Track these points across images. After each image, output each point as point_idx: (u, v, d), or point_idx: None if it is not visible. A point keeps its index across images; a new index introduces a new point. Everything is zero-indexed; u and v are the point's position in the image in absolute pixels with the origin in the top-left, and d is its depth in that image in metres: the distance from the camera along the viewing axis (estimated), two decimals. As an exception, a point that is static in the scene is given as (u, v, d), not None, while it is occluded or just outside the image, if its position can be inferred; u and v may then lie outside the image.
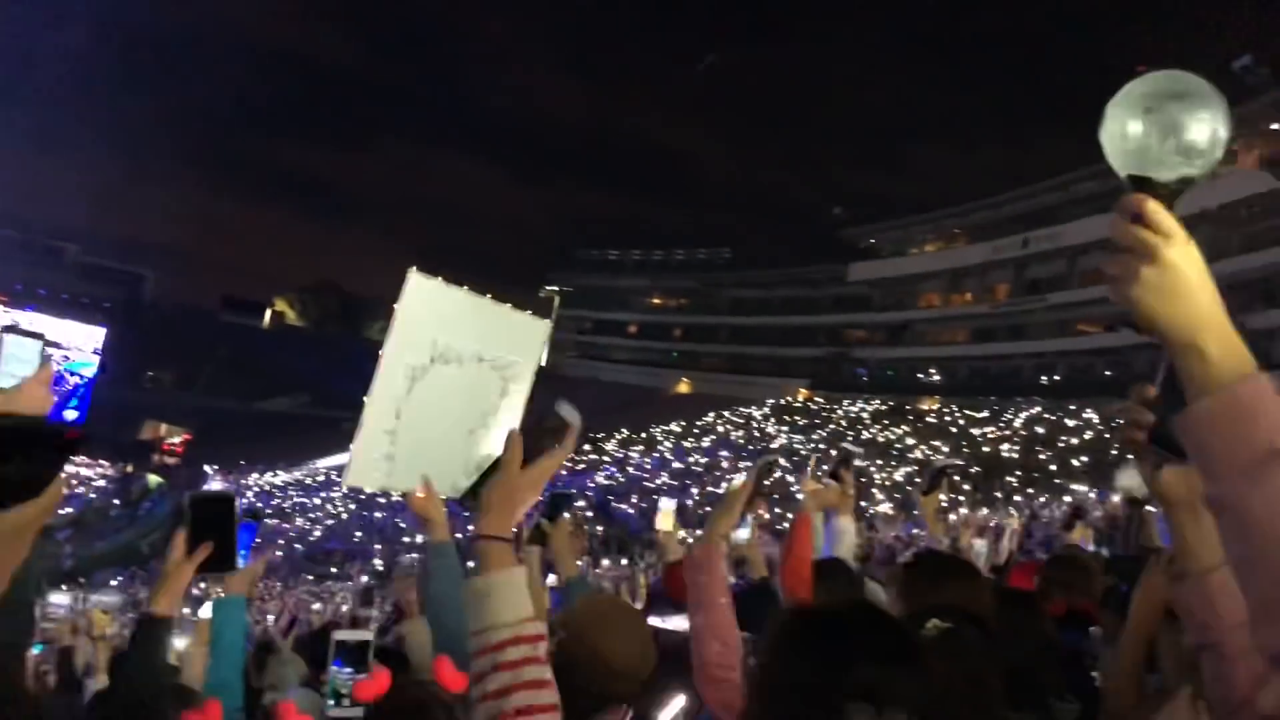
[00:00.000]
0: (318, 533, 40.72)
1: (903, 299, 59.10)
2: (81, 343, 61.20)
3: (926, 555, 3.93)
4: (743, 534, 4.61)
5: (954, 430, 42.32)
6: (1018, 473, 30.94)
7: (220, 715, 1.98)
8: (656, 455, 48.28)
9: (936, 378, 53.04)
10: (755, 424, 52.33)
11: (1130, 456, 1.41)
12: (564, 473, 46.20)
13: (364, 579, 27.09)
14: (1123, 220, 1.03)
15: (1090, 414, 38.75)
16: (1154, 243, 1.00)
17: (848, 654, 1.23)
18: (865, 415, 49.31)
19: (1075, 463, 31.42)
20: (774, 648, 1.33)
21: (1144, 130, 1.03)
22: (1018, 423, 40.53)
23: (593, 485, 41.72)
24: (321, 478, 55.88)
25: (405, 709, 2.11)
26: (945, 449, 38.51)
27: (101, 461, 56.70)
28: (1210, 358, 0.98)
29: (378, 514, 42.71)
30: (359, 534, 38.31)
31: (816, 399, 56.45)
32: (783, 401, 57.32)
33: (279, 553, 35.73)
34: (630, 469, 45.43)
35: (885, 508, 26.23)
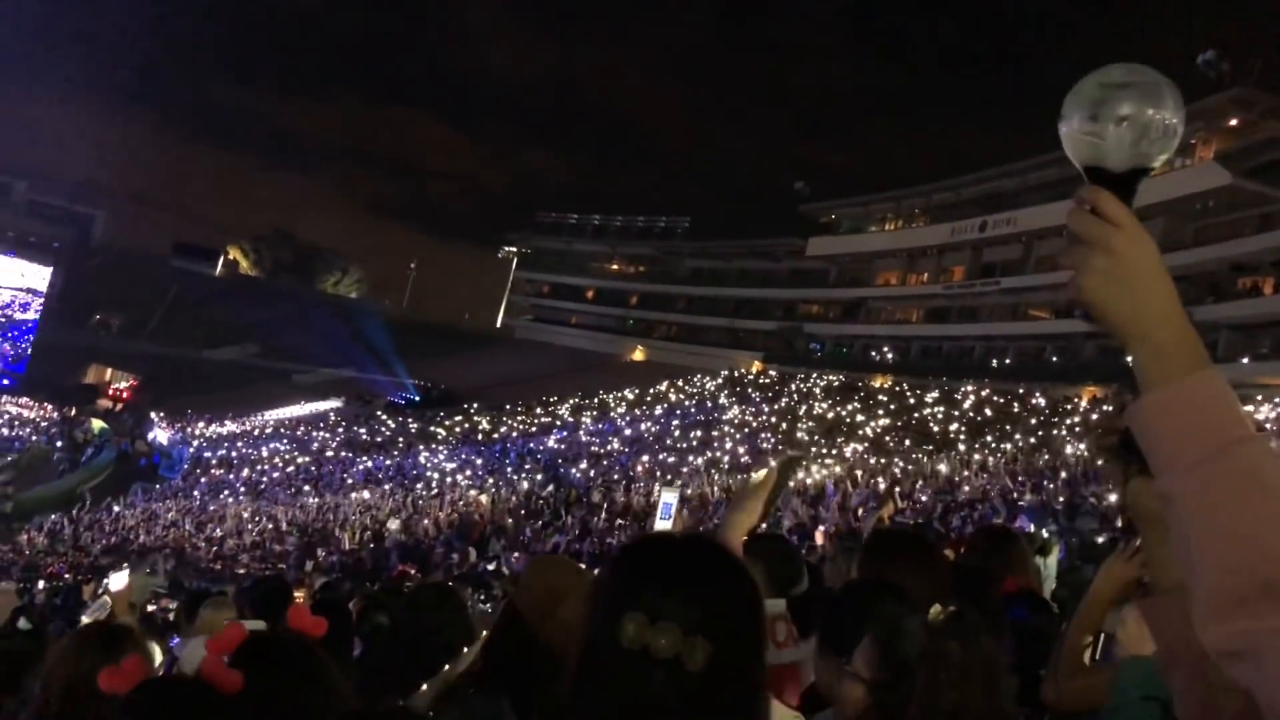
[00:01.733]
0: (263, 485, 40.32)
1: (859, 276, 59.40)
2: (26, 281, 59.98)
3: (884, 533, 3.98)
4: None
5: (901, 407, 42.82)
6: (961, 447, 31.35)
7: (141, 670, 1.95)
8: (609, 421, 48.36)
9: (889, 355, 53.54)
10: (708, 394, 52.57)
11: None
12: (515, 435, 46.23)
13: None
14: (1078, 210, 1.03)
15: (1039, 398, 39.43)
16: (1106, 233, 1.01)
17: (641, 574, 1.30)
18: (817, 390, 49.71)
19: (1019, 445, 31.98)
20: (602, 570, 1.40)
21: (1099, 121, 1.03)
22: (966, 404, 41.10)
23: (544, 448, 41.73)
24: (270, 430, 55.37)
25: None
26: (894, 425, 39.03)
27: (45, 404, 55.66)
28: (1162, 350, 0.99)
29: (327, 469, 42.44)
30: (307, 488, 38.01)
31: (770, 372, 56.78)
32: (736, 373, 57.60)
33: (230, 502, 35.44)
34: (582, 434, 45.49)
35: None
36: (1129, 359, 1.02)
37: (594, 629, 1.28)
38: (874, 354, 54.68)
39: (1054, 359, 44.77)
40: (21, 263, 59.62)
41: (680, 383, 56.04)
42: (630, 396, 54.44)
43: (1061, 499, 19.34)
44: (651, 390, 55.05)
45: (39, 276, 60.08)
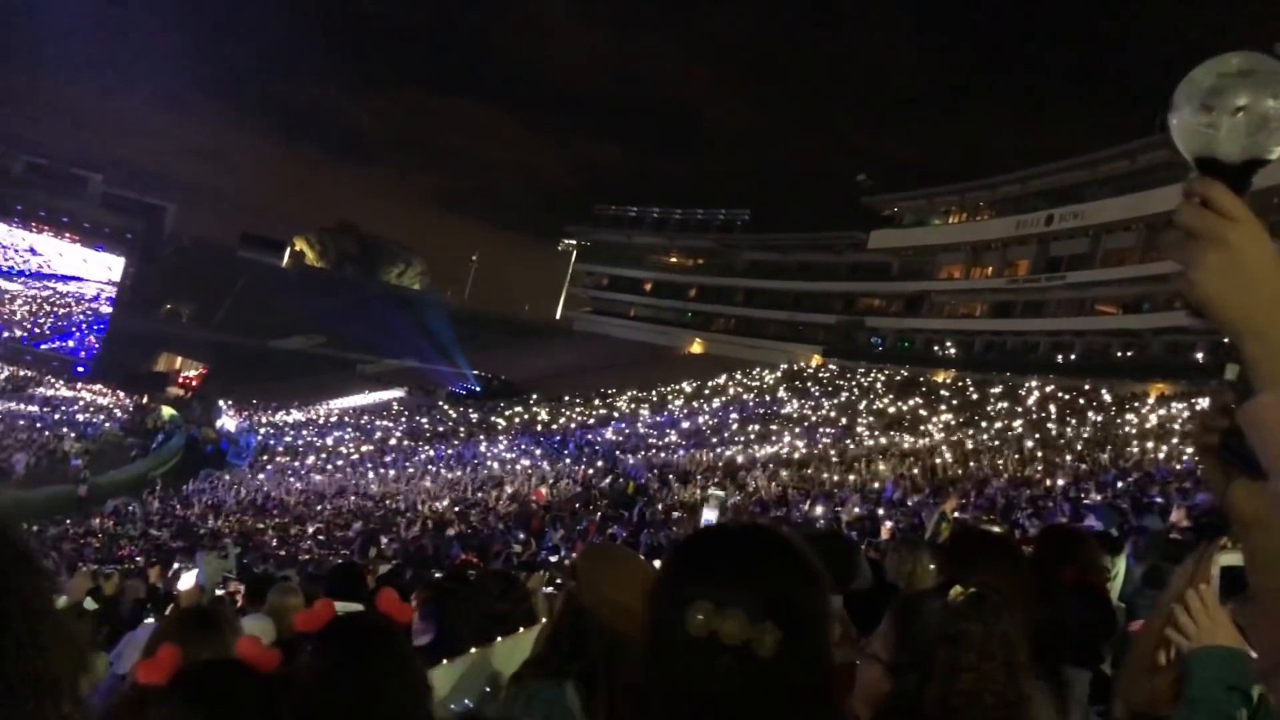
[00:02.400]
0: (329, 470, 41.01)
1: (922, 269, 58.78)
2: (101, 271, 61.60)
3: (966, 533, 3.93)
4: None
5: (964, 403, 42.27)
6: (1027, 447, 30.84)
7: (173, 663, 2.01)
8: (667, 414, 48.42)
9: (952, 350, 52.89)
10: (766, 388, 52.38)
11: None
12: (574, 426, 46.48)
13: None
14: (1189, 203, 1.00)
15: (1105, 395, 38.67)
16: (1219, 227, 0.97)
17: (705, 562, 1.32)
18: (878, 385, 49.28)
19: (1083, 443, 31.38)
20: (665, 561, 1.42)
21: (1213, 111, 1.00)
22: (1031, 400, 40.45)
23: (602, 439, 41.91)
24: (335, 418, 56.29)
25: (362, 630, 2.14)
26: (957, 421, 38.52)
27: (117, 391, 57.15)
28: (1275, 347, 0.95)
29: (389, 457, 43.02)
30: (371, 475, 38.57)
31: (830, 366, 56.42)
32: (795, 367, 57.31)
33: (289, 492, 36.07)
34: (640, 426, 45.59)
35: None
36: (1214, 360, 1.00)
37: (661, 618, 1.30)
38: (936, 349, 54.07)
39: (1121, 355, 43.88)
40: (107, 256, 61.27)
41: (739, 375, 55.91)
42: (688, 389, 54.43)
43: (1129, 497, 18.96)
44: (710, 383, 54.99)
45: (114, 267, 61.67)
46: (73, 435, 43.08)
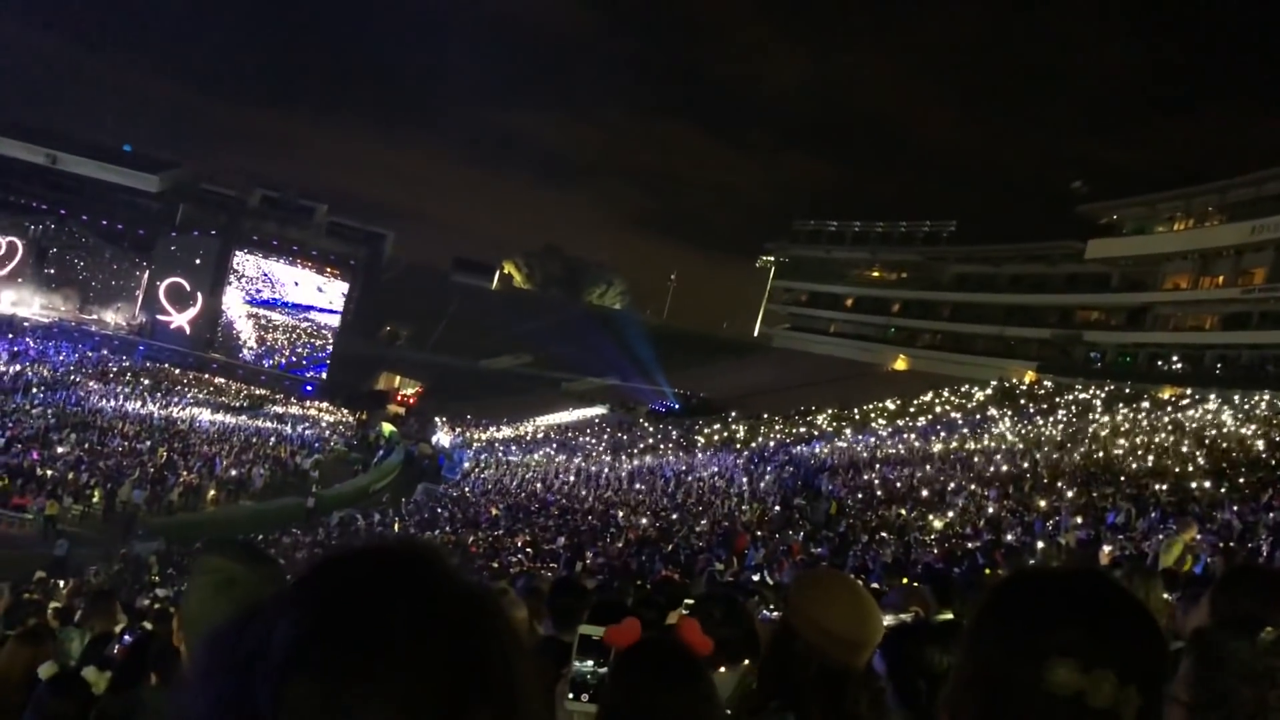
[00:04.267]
0: (537, 486, 42.27)
1: (1145, 280, 55.50)
2: (328, 298, 65.94)
3: (1244, 571, 3.63)
4: None
5: (1192, 424, 39.34)
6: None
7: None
8: (869, 432, 47.35)
9: (1178, 365, 49.52)
10: (976, 406, 50.47)
11: None
12: (773, 444, 46.12)
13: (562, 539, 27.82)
14: None
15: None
16: None
17: (1057, 612, 1.18)
18: (1097, 402, 46.59)
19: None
20: (985, 606, 1.28)
21: None
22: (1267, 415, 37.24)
23: (803, 458, 41.34)
24: (541, 435, 58.02)
25: (662, 652, 2.14)
26: (1184, 440, 35.88)
27: (341, 409, 60.92)
28: None
29: (593, 468, 43.93)
30: (582, 490, 39.52)
31: (1045, 382, 53.91)
32: (1007, 384, 55.06)
33: (498, 507, 37.34)
34: (841, 444, 44.74)
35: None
36: None
37: (1004, 671, 1.18)
38: (1161, 363, 50.83)
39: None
40: (335, 282, 65.68)
41: (945, 393, 54.15)
42: (892, 407, 53.12)
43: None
44: (915, 400, 53.50)
45: (340, 292, 65.91)
46: (304, 450, 46.15)
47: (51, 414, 39.67)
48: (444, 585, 0.78)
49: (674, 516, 31.19)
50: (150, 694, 3.05)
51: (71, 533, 28.61)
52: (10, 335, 54.99)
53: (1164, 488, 25.91)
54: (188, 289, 63.66)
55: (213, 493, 36.69)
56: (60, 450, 35.26)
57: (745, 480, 37.44)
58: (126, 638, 5.75)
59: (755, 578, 15.73)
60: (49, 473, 32.59)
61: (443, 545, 28.03)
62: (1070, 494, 25.79)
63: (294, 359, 65.74)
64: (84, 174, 65.85)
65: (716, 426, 54.65)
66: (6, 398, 40.92)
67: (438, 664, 0.73)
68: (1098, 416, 42.86)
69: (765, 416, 55.48)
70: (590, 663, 2.12)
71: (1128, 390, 47.55)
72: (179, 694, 0.78)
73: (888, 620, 2.89)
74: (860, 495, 30.71)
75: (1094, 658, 1.12)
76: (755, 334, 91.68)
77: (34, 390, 43.49)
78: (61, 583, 20.76)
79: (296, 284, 65.45)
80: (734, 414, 57.82)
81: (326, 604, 0.75)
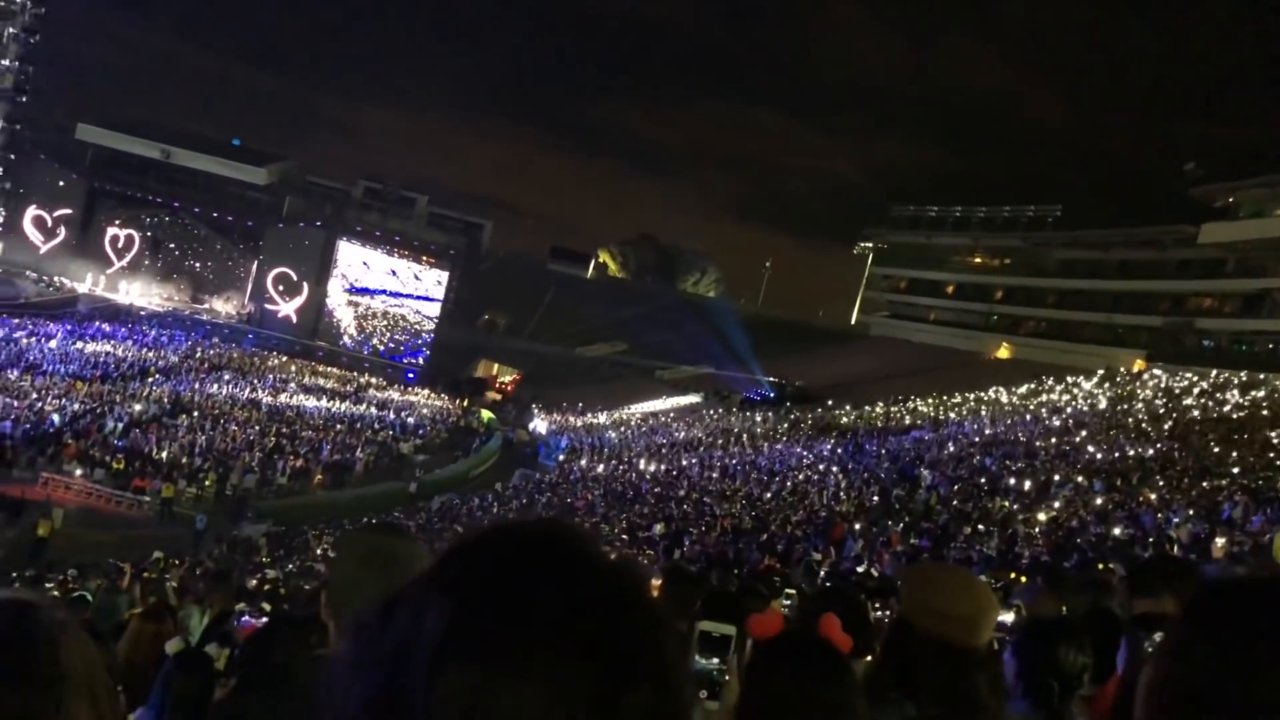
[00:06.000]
0: (633, 474, 42.46)
1: (1264, 265, 53.13)
2: (425, 286, 67.23)
3: None
4: None
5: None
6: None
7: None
8: (970, 421, 46.32)
9: (1300, 354, 47.40)
10: (1084, 395, 49.00)
11: None
12: (871, 434, 45.44)
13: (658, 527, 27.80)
14: None
15: None
16: None
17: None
18: (1211, 391, 44.79)
19: None
20: (1203, 615, 1.07)
21: None
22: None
23: (902, 448, 40.64)
24: (635, 422, 58.24)
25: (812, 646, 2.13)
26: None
27: (442, 395, 62.08)
28: None
29: (687, 457, 43.92)
30: (677, 476, 39.57)
31: (1155, 371, 52.10)
32: (1115, 373, 53.36)
33: (594, 493, 37.63)
34: (942, 434, 43.85)
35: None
36: None
37: (1226, 686, 0.99)
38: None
39: None
40: (435, 271, 66.93)
41: (1050, 381, 52.71)
42: (993, 396, 51.92)
43: None
44: (1018, 389, 52.21)
45: (441, 281, 67.13)
46: (406, 436, 47.15)
47: (168, 400, 41.25)
48: (590, 564, 0.76)
49: (769, 506, 31.00)
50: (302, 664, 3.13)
51: (187, 515, 29.72)
52: (130, 324, 57.46)
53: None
54: (294, 278, 65.53)
55: (319, 477, 37.76)
56: (177, 435, 36.67)
57: (840, 470, 37.00)
58: (246, 618, 5.95)
59: (859, 569, 15.57)
60: (165, 456, 33.97)
61: (581, 525, 28.38)
62: (1182, 486, 24.90)
63: (393, 345, 67.17)
64: (196, 168, 68.24)
65: (812, 416, 54.12)
66: (126, 383, 42.70)
67: (590, 646, 0.70)
68: (1212, 406, 41.25)
69: (862, 406, 54.75)
70: (715, 660, 2.06)
71: (1244, 379, 45.66)
72: (328, 684, 0.76)
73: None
74: (959, 486, 30.08)
75: None
76: (852, 322, 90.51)
77: (151, 376, 45.26)
78: (177, 561, 21.63)
79: (393, 273, 66.83)
80: (830, 402, 57.18)
81: (474, 589, 0.73)
